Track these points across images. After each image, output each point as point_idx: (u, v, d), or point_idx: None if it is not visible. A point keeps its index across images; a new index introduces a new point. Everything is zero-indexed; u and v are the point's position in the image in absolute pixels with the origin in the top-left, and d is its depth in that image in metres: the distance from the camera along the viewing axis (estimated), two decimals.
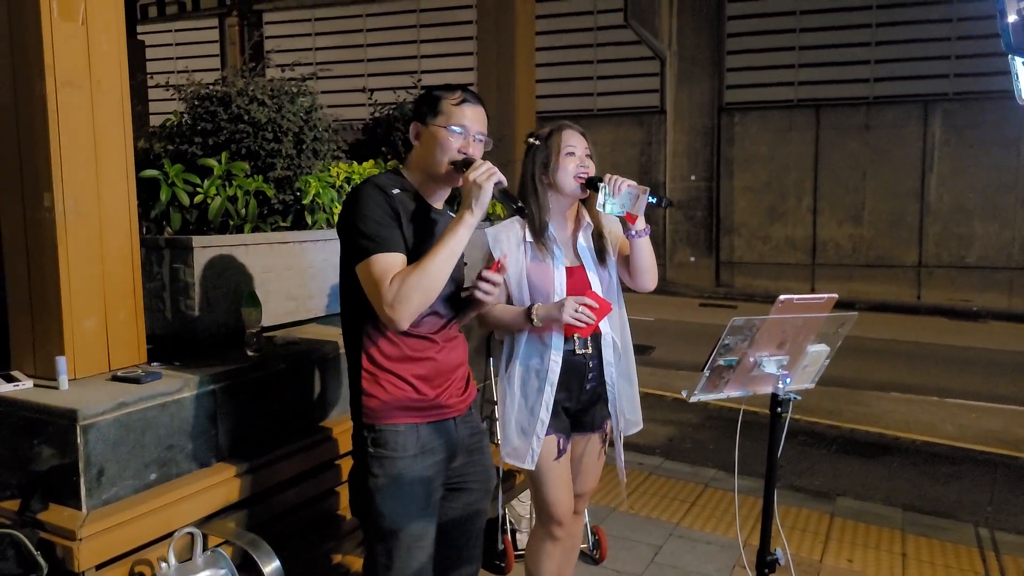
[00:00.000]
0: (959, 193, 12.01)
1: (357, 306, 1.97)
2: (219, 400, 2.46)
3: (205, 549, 2.21)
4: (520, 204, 2.03)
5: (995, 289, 11.83)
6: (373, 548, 2.04)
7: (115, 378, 2.36)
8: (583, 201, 2.46)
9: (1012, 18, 1.63)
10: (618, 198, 2.26)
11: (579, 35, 14.19)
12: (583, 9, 14.12)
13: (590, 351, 2.39)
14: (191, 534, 2.20)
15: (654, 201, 2.26)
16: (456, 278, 2.08)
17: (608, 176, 2.28)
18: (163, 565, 2.15)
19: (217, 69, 15.25)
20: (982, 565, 3.51)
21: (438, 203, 2.09)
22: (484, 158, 1.99)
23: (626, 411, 2.54)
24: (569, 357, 2.36)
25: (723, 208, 13.59)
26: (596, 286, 2.38)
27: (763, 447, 2.20)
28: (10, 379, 2.31)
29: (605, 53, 14.11)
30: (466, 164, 1.94)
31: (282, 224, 3.27)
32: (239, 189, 3.00)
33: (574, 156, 2.36)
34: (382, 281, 1.84)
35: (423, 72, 14.33)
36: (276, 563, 2.20)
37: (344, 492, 2.85)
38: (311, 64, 4.06)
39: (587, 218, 2.47)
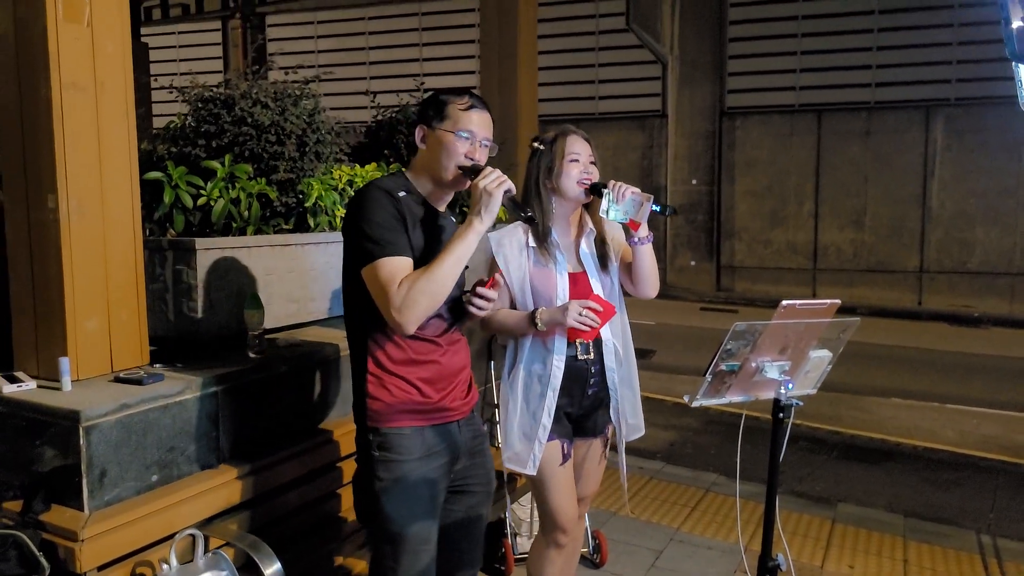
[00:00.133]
0: (961, 198, 12.00)
1: (361, 309, 1.97)
2: (221, 402, 2.46)
3: (206, 551, 2.21)
4: (530, 213, 2.04)
5: (996, 295, 11.81)
6: (379, 551, 2.04)
7: (117, 379, 2.36)
8: (586, 207, 2.47)
9: (1017, 24, 1.64)
10: (622, 204, 2.26)
11: (581, 39, 14.20)
12: (585, 13, 14.14)
13: (592, 356, 2.39)
14: (192, 536, 2.20)
15: (658, 209, 2.26)
16: (459, 282, 2.08)
17: (612, 182, 2.28)
18: (164, 567, 2.15)
19: (220, 71, 15.26)
20: (984, 572, 3.51)
21: (442, 207, 2.10)
22: (488, 163, 2.00)
23: (628, 416, 2.54)
24: (572, 362, 2.36)
25: (724, 212, 13.59)
26: (599, 291, 2.39)
27: (764, 452, 2.20)
28: (13, 380, 2.31)
29: (607, 57, 14.12)
30: (474, 170, 1.94)
31: (284, 227, 3.27)
32: (242, 191, 3.00)
33: (578, 162, 2.36)
34: (389, 285, 1.84)
35: (425, 75, 14.34)
36: (277, 565, 2.20)
37: (345, 494, 2.85)
38: (313, 67, 4.06)
39: (590, 224, 2.47)
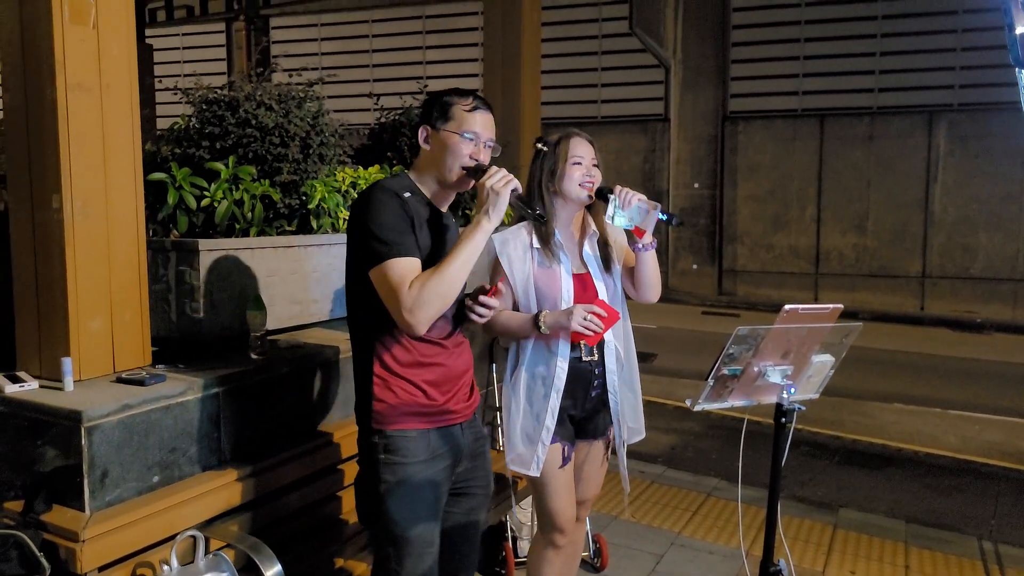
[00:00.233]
0: (963, 204, 11.99)
1: (367, 311, 1.96)
2: (222, 403, 2.46)
3: (207, 552, 2.21)
4: (539, 212, 2.04)
5: (999, 300, 11.80)
6: (383, 553, 2.04)
7: (120, 380, 2.36)
8: (588, 209, 2.47)
9: (1020, 30, 1.64)
10: (628, 211, 2.25)
11: (584, 42, 14.21)
12: (588, 17, 14.16)
13: (596, 359, 2.39)
14: (193, 537, 2.20)
15: (664, 218, 2.25)
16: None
17: (618, 188, 2.28)
18: (165, 568, 2.14)
19: (223, 73, 15.30)
20: None
21: (444, 207, 2.10)
22: (492, 163, 2.00)
23: (629, 420, 2.53)
24: (575, 364, 2.36)
25: (726, 216, 13.58)
26: (603, 293, 2.38)
27: (765, 457, 2.20)
28: (15, 380, 2.31)
29: (610, 61, 14.13)
30: (480, 170, 1.94)
31: (287, 228, 3.28)
32: (245, 193, 3.01)
33: (580, 165, 2.36)
34: (400, 286, 1.83)
35: (428, 78, 14.34)
36: (278, 567, 2.20)
37: (346, 497, 2.85)
38: (317, 69, 4.07)
39: (592, 226, 2.47)
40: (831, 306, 2.10)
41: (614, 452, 2.57)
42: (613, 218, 2.27)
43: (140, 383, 2.30)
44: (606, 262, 2.45)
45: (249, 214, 3.03)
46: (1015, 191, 11.62)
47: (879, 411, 6.61)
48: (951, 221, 12.10)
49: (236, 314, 2.83)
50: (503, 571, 3.24)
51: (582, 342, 2.34)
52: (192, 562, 2.18)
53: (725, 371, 2.07)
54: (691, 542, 3.74)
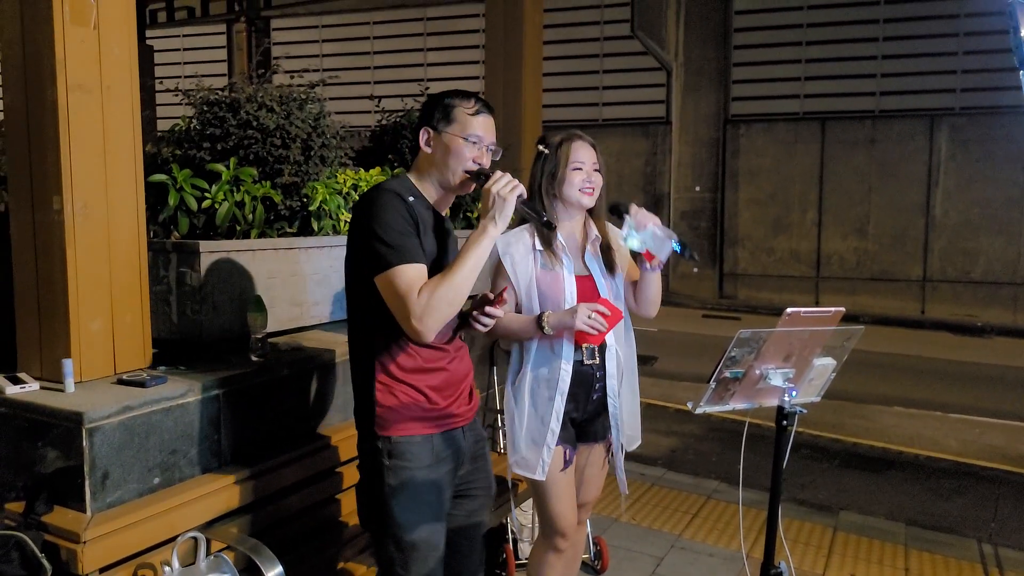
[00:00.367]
0: (965, 208, 11.99)
1: (368, 314, 1.95)
2: (223, 405, 2.46)
3: (208, 554, 2.20)
4: (547, 218, 2.03)
5: (1000, 305, 11.79)
6: (388, 558, 2.02)
7: (120, 381, 2.36)
8: (590, 212, 2.46)
9: None
10: (641, 234, 2.23)
11: (585, 45, 14.22)
12: (590, 20, 14.16)
13: (597, 362, 2.38)
14: (194, 538, 2.20)
15: (679, 249, 2.22)
16: None
17: (634, 208, 2.26)
18: (166, 569, 2.14)
19: (224, 75, 15.32)
20: None
21: (445, 211, 2.10)
22: (492, 167, 2.00)
23: (627, 427, 2.53)
24: (578, 367, 2.36)
25: (727, 220, 13.58)
26: (605, 294, 2.38)
27: (765, 460, 2.19)
28: (16, 381, 2.31)
29: (611, 63, 14.14)
30: (483, 175, 1.92)
31: (288, 230, 3.28)
32: (246, 195, 3.01)
33: (581, 170, 2.36)
34: (409, 293, 1.81)
35: (430, 80, 14.33)
36: (279, 568, 2.20)
37: (345, 499, 2.85)
38: (318, 71, 4.08)
39: (595, 230, 2.47)
40: (833, 309, 2.10)
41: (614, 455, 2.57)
42: (626, 239, 2.25)
43: (141, 385, 2.30)
44: (609, 266, 2.44)
45: (250, 216, 3.03)
46: (1016, 195, 11.61)
47: (880, 414, 6.61)
48: (952, 225, 12.09)
49: (237, 316, 2.83)
50: (504, 573, 3.23)
51: (584, 345, 2.33)
52: (193, 563, 2.18)
53: (727, 374, 2.07)
54: (691, 544, 3.74)
